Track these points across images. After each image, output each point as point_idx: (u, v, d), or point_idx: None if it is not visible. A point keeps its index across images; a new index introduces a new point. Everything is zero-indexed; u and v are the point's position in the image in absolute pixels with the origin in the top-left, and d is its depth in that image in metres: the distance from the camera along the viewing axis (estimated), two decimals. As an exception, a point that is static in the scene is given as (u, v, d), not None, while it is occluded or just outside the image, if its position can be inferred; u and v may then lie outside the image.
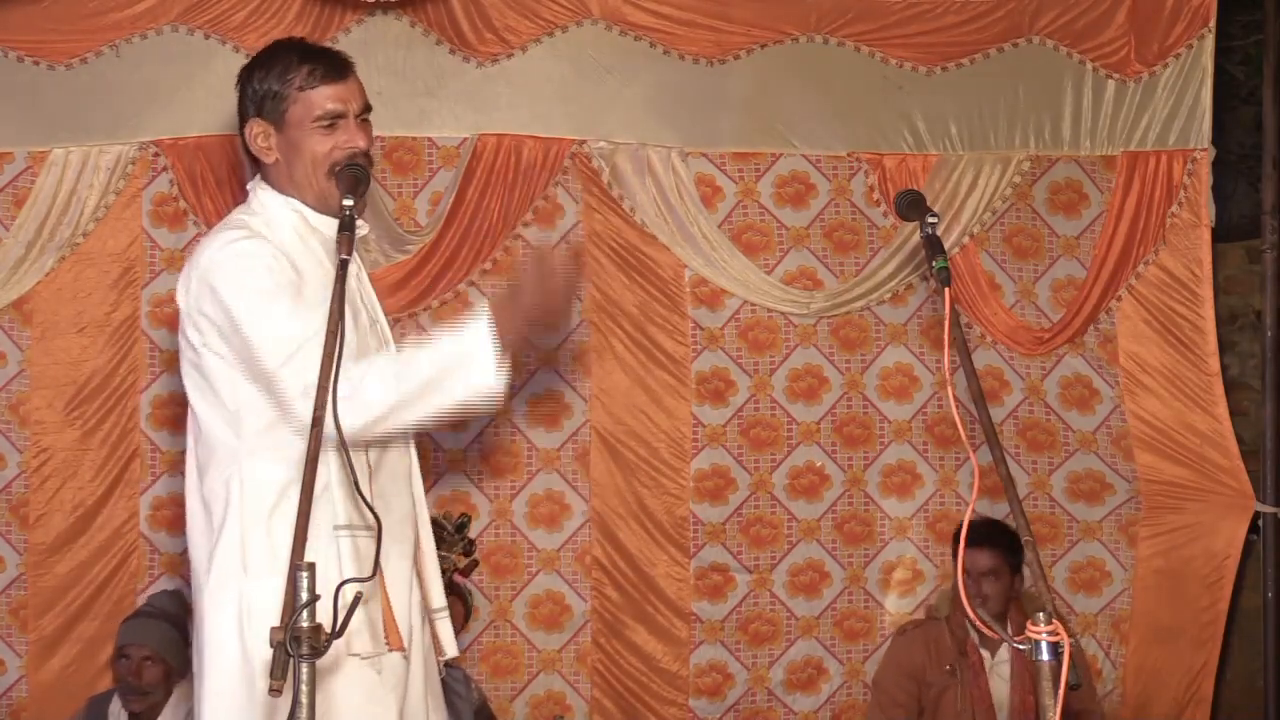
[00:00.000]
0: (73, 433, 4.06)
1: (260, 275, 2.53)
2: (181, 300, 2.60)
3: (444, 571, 3.35)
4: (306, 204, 2.66)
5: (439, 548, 3.44)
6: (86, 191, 4.05)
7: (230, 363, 2.54)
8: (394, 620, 2.58)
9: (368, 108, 2.71)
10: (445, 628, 2.79)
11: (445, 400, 2.49)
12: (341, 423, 2.28)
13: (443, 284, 4.21)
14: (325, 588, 2.13)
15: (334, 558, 2.47)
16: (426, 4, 4.16)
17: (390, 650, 2.57)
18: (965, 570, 3.92)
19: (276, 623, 2.21)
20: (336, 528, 2.52)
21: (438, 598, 2.79)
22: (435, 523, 3.67)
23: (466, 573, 3.80)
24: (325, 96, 2.64)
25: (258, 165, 2.74)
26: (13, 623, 4.02)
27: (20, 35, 4.00)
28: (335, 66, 2.68)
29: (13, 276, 4.03)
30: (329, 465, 2.48)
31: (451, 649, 2.81)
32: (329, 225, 2.63)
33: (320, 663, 2.10)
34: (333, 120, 2.64)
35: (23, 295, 4.04)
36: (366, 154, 2.65)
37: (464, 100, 4.24)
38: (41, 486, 4.05)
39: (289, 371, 2.45)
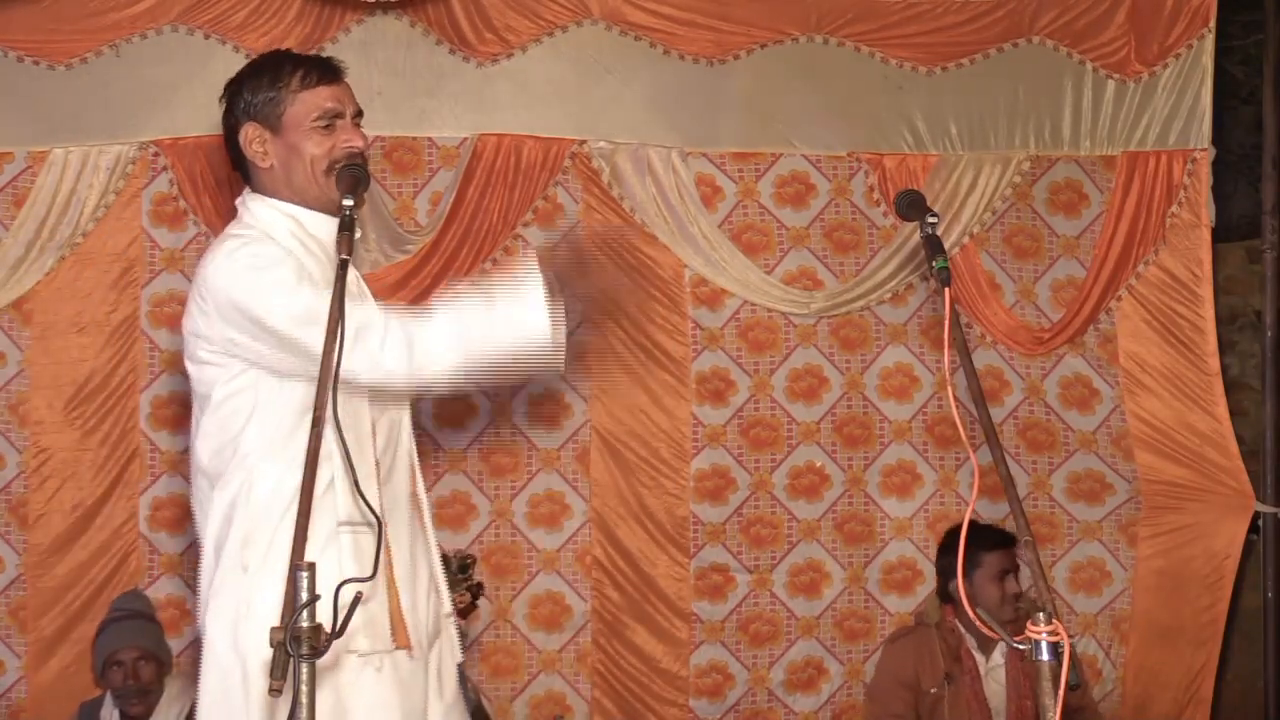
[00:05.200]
0: (72, 433, 4.06)
1: (273, 272, 2.53)
2: (197, 314, 2.57)
3: None
4: (307, 206, 2.66)
5: None
6: (86, 191, 4.05)
7: (260, 362, 2.53)
8: (401, 618, 2.57)
9: (360, 111, 2.72)
10: (452, 631, 2.78)
11: (496, 348, 2.54)
12: (400, 371, 2.48)
13: (443, 284, 4.20)
14: (326, 586, 2.11)
15: (334, 555, 2.47)
16: (426, 4, 4.16)
17: (396, 649, 2.56)
18: (1002, 571, 3.96)
19: (274, 622, 2.22)
20: (339, 524, 2.52)
21: (445, 601, 2.78)
22: (442, 556, 3.65)
23: (464, 615, 3.78)
24: (323, 96, 2.65)
25: (247, 178, 2.72)
26: (12, 623, 4.02)
27: (20, 35, 3.99)
28: (329, 69, 2.70)
29: (12, 276, 4.03)
30: (333, 462, 2.48)
31: (457, 654, 2.79)
32: (327, 227, 2.62)
33: (321, 661, 2.10)
34: (331, 120, 2.65)
35: (22, 295, 4.04)
36: (363, 154, 2.66)
37: (464, 100, 4.24)
38: (41, 486, 4.04)
39: (312, 332, 2.38)
